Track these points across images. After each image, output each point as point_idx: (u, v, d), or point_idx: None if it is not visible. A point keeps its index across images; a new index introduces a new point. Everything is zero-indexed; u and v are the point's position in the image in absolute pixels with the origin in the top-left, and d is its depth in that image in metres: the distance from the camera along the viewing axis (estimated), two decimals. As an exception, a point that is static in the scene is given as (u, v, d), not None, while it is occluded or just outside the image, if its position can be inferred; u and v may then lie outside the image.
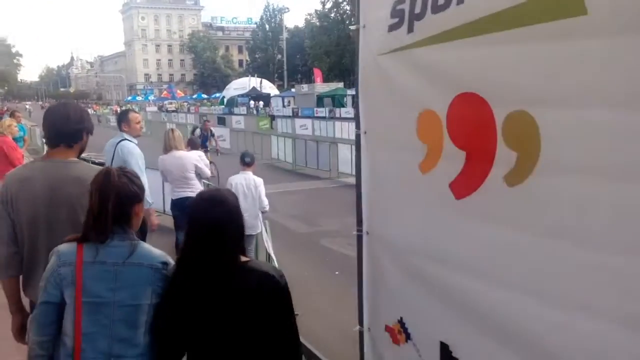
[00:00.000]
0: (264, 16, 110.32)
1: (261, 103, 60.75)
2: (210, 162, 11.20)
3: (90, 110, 59.89)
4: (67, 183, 2.63)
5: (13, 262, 2.66)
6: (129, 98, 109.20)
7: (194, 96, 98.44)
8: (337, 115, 46.46)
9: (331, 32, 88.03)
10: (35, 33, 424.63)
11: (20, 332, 2.69)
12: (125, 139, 5.62)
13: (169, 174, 7.08)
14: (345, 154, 15.41)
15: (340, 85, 57.28)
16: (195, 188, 7.00)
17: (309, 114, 48.99)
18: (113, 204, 2.08)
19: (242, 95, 69.35)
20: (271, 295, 2.04)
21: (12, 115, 12.70)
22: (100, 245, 2.09)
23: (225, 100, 75.50)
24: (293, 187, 14.59)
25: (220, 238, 2.02)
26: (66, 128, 2.71)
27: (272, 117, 40.21)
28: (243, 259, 2.11)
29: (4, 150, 8.37)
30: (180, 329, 2.08)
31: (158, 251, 2.21)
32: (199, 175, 7.22)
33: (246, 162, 6.63)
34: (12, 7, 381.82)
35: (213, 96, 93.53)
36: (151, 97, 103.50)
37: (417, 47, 2.11)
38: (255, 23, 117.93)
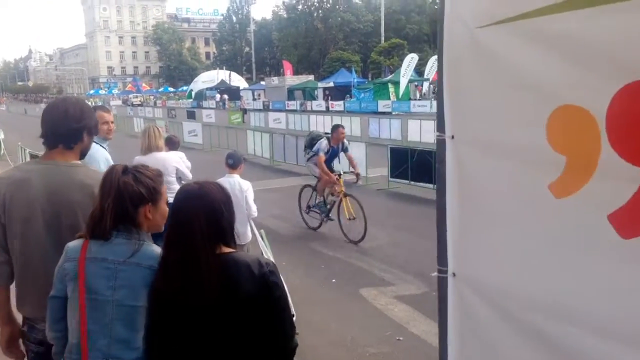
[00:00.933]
0: (231, 7, 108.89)
1: (225, 96, 59.62)
2: None
3: (51, 105, 57.98)
4: (69, 189, 2.46)
5: (2, 272, 2.49)
6: (92, 92, 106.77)
7: (160, 89, 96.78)
8: (309, 108, 45.94)
9: (299, 24, 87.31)
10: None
11: (9, 344, 2.56)
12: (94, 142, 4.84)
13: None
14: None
15: (311, 77, 56.60)
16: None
17: (280, 107, 48.35)
18: (113, 203, 2.05)
19: (210, 89, 68.12)
20: (259, 287, 1.95)
21: None
22: (104, 242, 2.07)
23: (193, 93, 74.26)
24: (272, 185, 13.84)
25: (193, 232, 1.94)
26: (63, 127, 2.51)
27: (244, 111, 39.22)
28: (226, 249, 2.02)
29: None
30: (166, 331, 2.00)
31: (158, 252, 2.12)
32: (180, 178, 6.47)
33: (230, 164, 5.85)
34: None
35: (180, 89, 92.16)
36: (115, 91, 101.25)
37: (550, 13, 1.44)
38: (222, 15, 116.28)
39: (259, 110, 44.90)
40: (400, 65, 70.20)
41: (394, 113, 36.97)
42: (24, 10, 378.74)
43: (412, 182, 11.88)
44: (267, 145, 17.27)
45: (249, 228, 5.85)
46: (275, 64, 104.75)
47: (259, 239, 5.81)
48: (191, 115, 39.90)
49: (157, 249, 2.12)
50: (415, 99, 40.25)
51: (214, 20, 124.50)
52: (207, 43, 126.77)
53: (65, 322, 2.10)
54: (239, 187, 5.75)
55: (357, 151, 13.43)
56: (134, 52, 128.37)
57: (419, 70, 49.69)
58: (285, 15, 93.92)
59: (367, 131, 22.38)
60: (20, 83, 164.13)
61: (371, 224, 8.52)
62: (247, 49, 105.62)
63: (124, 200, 2.07)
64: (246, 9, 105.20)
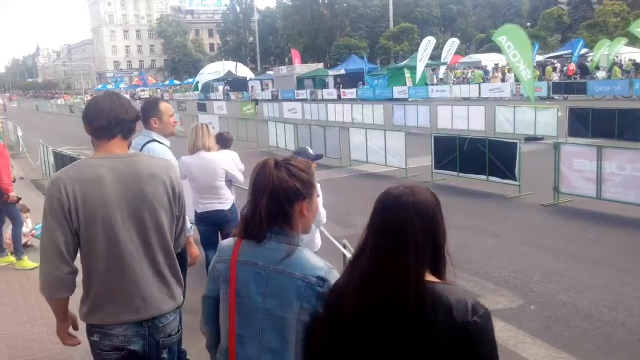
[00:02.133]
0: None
1: (227, 88, 58.98)
2: None
3: (60, 101, 57.70)
4: (142, 181, 2.37)
5: (69, 282, 2.34)
6: (100, 87, 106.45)
7: (166, 83, 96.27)
8: (320, 97, 44.99)
9: (304, 12, 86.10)
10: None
11: (66, 337, 2.52)
12: (155, 141, 4.01)
13: (194, 181, 5.41)
14: (359, 139, 13.80)
15: (320, 66, 55.49)
16: (226, 199, 5.54)
17: (289, 97, 47.51)
18: (267, 201, 1.86)
19: (217, 80, 67.24)
20: (456, 338, 1.56)
21: None
22: (257, 244, 1.90)
23: (199, 85, 73.47)
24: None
25: (405, 249, 1.63)
26: (126, 116, 2.44)
27: (256, 102, 38.30)
28: (431, 278, 1.67)
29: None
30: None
31: (319, 262, 1.89)
32: (230, 181, 5.59)
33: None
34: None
35: (186, 82, 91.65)
36: (122, 85, 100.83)
37: None
38: (226, 5, 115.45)
39: (269, 100, 44.02)
40: (411, 50, 69.70)
41: (410, 99, 35.96)
42: (30, 8, 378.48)
43: (462, 174, 10.91)
44: (292, 136, 16.35)
45: (318, 234, 4.94)
46: (280, 54, 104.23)
47: (344, 251, 4.84)
48: (202, 108, 39.03)
49: (314, 257, 1.90)
50: (433, 84, 39.08)
51: (218, 12, 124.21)
52: (211, 34, 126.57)
53: (217, 320, 2.02)
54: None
55: (395, 142, 12.53)
56: (139, 46, 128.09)
57: (432, 54, 48.49)
58: (290, 3, 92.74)
59: (391, 119, 21.37)
60: (30, 80, 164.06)
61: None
62: (251, 39, 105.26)
63: (280, 197, 1.87)
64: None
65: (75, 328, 2.53)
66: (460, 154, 10.90)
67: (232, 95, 58.18)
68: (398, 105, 21.71)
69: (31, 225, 7.93)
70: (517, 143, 10.08)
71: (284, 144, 16.90)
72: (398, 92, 37.57)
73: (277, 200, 1.87)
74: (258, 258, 1.89)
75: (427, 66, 39.12)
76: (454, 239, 7.63)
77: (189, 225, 3.97)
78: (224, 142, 6.35)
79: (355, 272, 1.74)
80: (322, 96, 44.83)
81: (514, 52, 16.55)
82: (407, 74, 38.75)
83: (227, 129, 21.28)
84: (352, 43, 75.75)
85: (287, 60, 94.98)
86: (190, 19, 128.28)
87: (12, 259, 7.13)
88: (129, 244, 2.32)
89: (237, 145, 19.25)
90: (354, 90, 42.84)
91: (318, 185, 5.17)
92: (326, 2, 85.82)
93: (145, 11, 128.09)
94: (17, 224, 7.05)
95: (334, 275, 1.87)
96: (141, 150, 3.94)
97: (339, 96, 43.46)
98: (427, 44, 37.98)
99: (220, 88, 63.43)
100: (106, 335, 2.36)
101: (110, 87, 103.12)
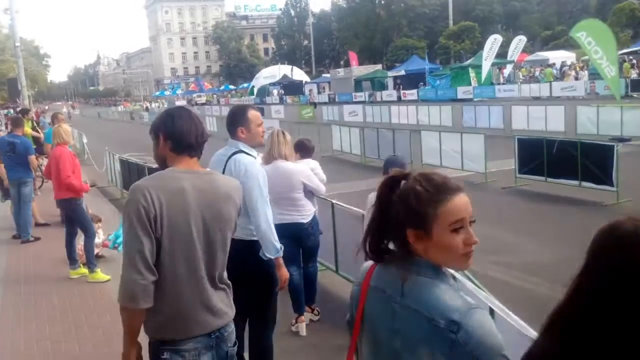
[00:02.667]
0: (289, 2, 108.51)
1: (282, 91, 59.16)
2: None
3: (120, 108, 59.55)
4: (218, 200, 2.39)
5: (150, 291, 2.23)
6: (157, 93, 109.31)
7: (221, 88, 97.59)
8: (379, 98, 44.24)
9: (360, 13, 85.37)
10: (61, 34, 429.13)
11: None
12: (242, 151, 3.55)
13: (270, 192, 4.94)
14: (432, 142, 13.08)
15: (379, 67, 54.61)
16: (305, 211, 5.07)
17: (346, 99, 47.03)
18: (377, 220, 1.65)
19: (273, 84, 67.47)
20: None
21: (54, 118, 10.89)
22: (385, 266, 1.66)
23: (255, 90, 73.93)
24: (368, 185, 12.34)
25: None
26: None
27: (314, 105, 37.96)
28: None
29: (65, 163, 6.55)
30: None
31: (455, 300, 1.49)
32: (311, 192, 5.07)
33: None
34: (38, 9, 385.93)
35: (240, 87, 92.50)
36: (178, 91, 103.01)
37: None
38: (280, 9, 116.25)
39: (326, 103, 43.61)
40: (472, 49, 67.79)
41: (475, 99, 34.75)
42: (92, 18, 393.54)
43: (550, 179, 10.04)
44: (357, 140, 15.79)
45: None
46: (335, 56, 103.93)
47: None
48: (259, 112, 38.97)
49: (448, 292, 1.50)
50: (498, 84, 37.60)
51: (272, 16, 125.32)
52: (265, 39, 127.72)
53: None
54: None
55: (473, 144, 11.76)
56: (195, 52, 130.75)
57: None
58: (344, 5, 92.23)
59: (460, 120, 20.46)
60: (91, 88, 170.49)
61: (512, 232, 6.91)
62: (305, 42, 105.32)
63: (397, 220, 1.57)
64: (304, 2, 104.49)
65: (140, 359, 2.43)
66: (548, 157, 10.04)
67: (288, 99, 58.26)
68: (468, 105, 20.79)
69: (103, 236, 7.66)
70: (613, 145, 9.21)
71: (349, 148, 16.36)
72: (462, 92, 36.37)
73: (394, 222, 1.63)
74: (385, 284, 1.62)
75: (493, 65, 37.74)
76: (548, 249, 6.92)
77: (278, 245, 3.60)
78: (303, 150, 5.79)
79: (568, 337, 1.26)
80: (381, 98, 44.08)
81: (595, 48, 15.49)
82: (472, 73, 37.45)
83: (289, 132, 20.87)
84: (410, 43, 74.41)
85: (341, 62, 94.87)
86: (245, 24, 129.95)
87: (85, 270, 6.85)
88: (200, 257, 2.34)
89: (299, 150, 19.03)
90: (415, 91, 41.87)
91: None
92: (382, 2, 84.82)
93: (201, 18, 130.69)
94: (89, 235, 6.77)
95: (476, 320, 1.45)
96: (227, 161, 3.54)
97: (399, 97, 42.58)
98: (493, 42, 36.63)
99: (275, 92, 63.65)
100: (177, 352, 2.33)
101: (167, 93, 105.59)
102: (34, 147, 12.26)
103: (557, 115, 16.63)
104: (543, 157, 10.10)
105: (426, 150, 13.21)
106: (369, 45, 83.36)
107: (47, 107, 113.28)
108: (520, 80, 37.28)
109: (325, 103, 43.23)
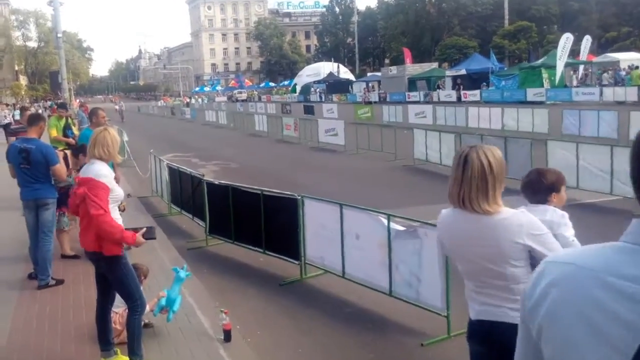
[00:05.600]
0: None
1: (319, 90, 56.89)
2: None
3: (160, 102, 58.16)
4: None
5: None
6: (197, 89, 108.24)
7: (261, 85, 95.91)
8: (435, 99, 41.17)
9: (408, 11, 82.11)
10: (105, 28, 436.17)
11: None
12: None
13: (461, 259, 2.34)
14: (563, 156, 10.15)
15: (435, 65, 51.29)
16: (513, 295, 2.47)
17: (399, 99, 44.08)
18: None
19: (318, 82, 64.97)
20: None
21: (93, 115, 7.84)
22: None
23: (297, 87, 71.72)
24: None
25: None
26: None
27: (370, 104, 35.16)
28: None
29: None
30: None
31: None
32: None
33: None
34: (83, 3, 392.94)
35: (281, 84, 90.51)
36: (218, 87, 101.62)
37: None
38: (324, 7, 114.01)
39: (375, 102, 40.80)
40: (528, 50, 64.06)
41: (547, 102, 31.41)
42: (134, 13, 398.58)
43: None
44: (450, 148, 12.93)
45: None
46: (380, 54, 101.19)
47: None
48: (309, 110, 36.31)
49: None
50: (574, 86, 34.10)
51: (315, 13, 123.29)
52: (307, 36, 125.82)
53: None
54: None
55: (623, 159, 8.77)
56: (236, 48, 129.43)
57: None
58: (392, 2, 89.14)
59: (559, 126, 17.37)
60: (131, 82, 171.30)
61: None
62: (349, 39, 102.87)
63: None
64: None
65: None
66: None
67: (335, 97, 55.69)
68: (570, 110, 17.64)
69: (156, 301, 4.95)
70: None
71: (438, 157, 13.48)
72: (532, 94, 32.99)
73: None
74: None
75: (566, 66, 34.34)
76: None
77: None
78: (538, 188, 3.11)
79: None
80: (438, 98, 40.98)
81: None
82: (545, 74, 34.00)
83: (355, 136, 18.37)
84: (461, 42, 71.06)
85: (386, 60, 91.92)
86: (288, 21, 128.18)
87: (125, 359, 4.27)
88: None
89: (368, 157, 16.06)
90: (477, 91, 38.62)
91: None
92: (433, 0, 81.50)
93: (243, 14, 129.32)
94: (136, 308, 4.14)
95: None
96: None
97: (459, 98, 39.41)
98: (565, 41, 33.27)
99: (318, 90, 61.44)
100: None
101: (207, 89, 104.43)
102: (66, 148, 9.78)
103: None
104: None
105: (555, 166, 10.25)
106: (417, 44, 79.95)
107: (89, 100, 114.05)
108: (606, 82, 33.62)
109: (374, 103, 40.43)
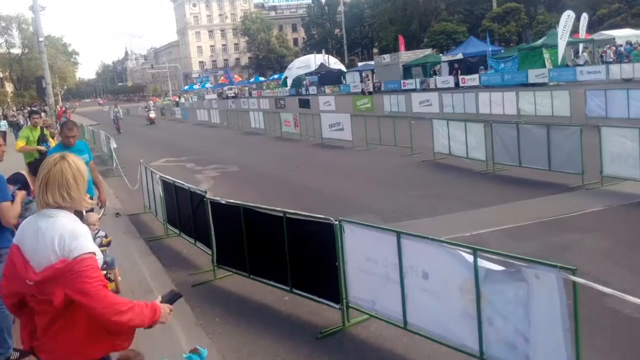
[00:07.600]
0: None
1: (305, 81, 55.15)
2: None
3: (151, 103, 56.31)
4: None
5: None
6: (186, 87, 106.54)
7: (251, 80, 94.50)
8: (432, 85, 39.81)
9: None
10: (89, 31, 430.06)
11: None
12: None
13: None
14: (616, 143, 8.79)
15: (429, 51, 49.79)
16: None
17: (394, 88, 42.83)
18: None
19: (310, 74, 63.42)
20: None
21: (61, 128, 6.76)
22: None
23: (288, 81, 70.16)
24: (518, 213, 8.22)
25: None
26: None
27: (369, 94, 33.74)
28: None
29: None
30: None
31: None
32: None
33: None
34: (66, 7, 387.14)
35: (271, 78, 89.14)
36: (208, 85, 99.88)
37: None
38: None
39: (370, 92, 39.34)
40: (518, 32, 62.63)
41: (551, 83, 30.15)
42: (118, 15, 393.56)
43: None
44: (479, 140, 11.57)
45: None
46: (368, 44, 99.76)
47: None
48: (304, 104, 34.88)
49: None
50: (577, 65, 32.75)
51: (301, 6, 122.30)
52: (294, 29, 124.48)
53: None
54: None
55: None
56: (223, 44, 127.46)
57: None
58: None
59: (582, 109, 16.04)
60: (119, 84, 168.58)
61: None
62: (336, 30, 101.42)
63: None
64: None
65: None
66: None
67: (327, 89, 54.25)
68: (594, 91, 16.27)
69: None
70: None
71: (464, 150, 12.10)
72: (534, 75, 31.67)
73: None
74: None
75: (568, 44, 33.00)
76: None
77: None
78: None
79: None
80: (435, 85, 39.59)
81: None
82: (546, 54, 32.62)
83: (364, 130, 16.83)
84: (450, 28, 69.69)
85: (375, 50, 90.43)
86: (274, 14, 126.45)
87: None
88: None
89: (380, 152, 14.57)
90: (476, 76, 37.24)
91: None
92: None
93: (228, 10, 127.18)
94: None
95: None
96: None
97: (457, 84, 38.04)
98: (567, 20, 31.93)
99: (305, 82, 60.18)
100: None
101: (196, 87, 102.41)
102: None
103: None
104: None
105: (607, 156, 8.91)
106: (406, 32, 78.43)
107: (77, 104, 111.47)
108: (611, 60, 32.31)
109: (399, 91, 39.12)
